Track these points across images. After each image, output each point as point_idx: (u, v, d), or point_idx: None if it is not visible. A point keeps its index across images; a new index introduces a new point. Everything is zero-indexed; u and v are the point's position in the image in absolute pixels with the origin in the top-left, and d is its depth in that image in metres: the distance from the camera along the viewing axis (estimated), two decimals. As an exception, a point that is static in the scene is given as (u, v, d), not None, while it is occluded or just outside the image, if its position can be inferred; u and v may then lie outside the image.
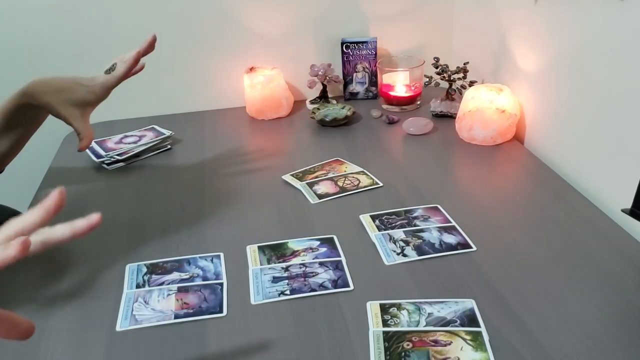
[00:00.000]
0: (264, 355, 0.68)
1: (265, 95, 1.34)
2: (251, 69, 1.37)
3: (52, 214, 0.51)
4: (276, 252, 0.86)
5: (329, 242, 0.88)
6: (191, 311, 0.75)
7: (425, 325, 0.70)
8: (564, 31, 1.01)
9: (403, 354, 0.66)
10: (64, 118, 0.89)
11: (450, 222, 0.92)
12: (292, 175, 1.09)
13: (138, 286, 0.81)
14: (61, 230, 0.53)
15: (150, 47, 0.92)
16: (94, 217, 0.53)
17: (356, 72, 1.42)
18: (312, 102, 1.43)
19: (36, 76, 1.34)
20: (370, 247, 0.87)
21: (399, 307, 0.74)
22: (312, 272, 0.81)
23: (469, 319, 0.71)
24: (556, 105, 1.07)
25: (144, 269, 0.84)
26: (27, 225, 0.50)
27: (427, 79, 1.33)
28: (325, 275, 0.81)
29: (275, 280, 0.80)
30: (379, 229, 0.90)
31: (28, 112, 0.90)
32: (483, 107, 1.14)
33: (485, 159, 1.12)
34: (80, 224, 0.53)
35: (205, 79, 1.41)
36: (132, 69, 0.91)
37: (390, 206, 0.97)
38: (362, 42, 1.39)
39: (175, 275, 0.82)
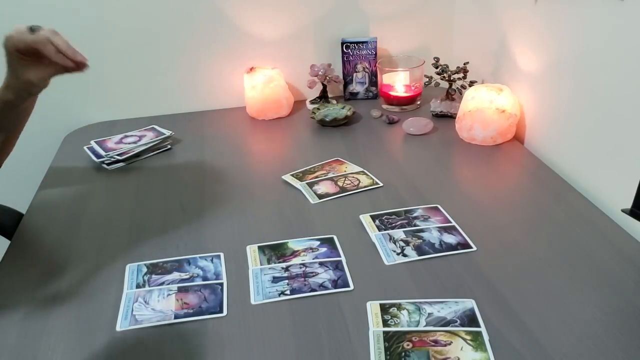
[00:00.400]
0: (264, 355, 0.68)
1: (265, 95, 1.34)
2: (251, 69, 1.37)
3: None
4: (276, 252, 0.86)
5: (329, 242, 0.88)
6: (191, 311, 0.75)
7: (425, 325, 0.70)
8: (564, 31, 1.01)
9: (403, 354, 0.66)
10: (35, 84, 0.82)
11: (450, 222, 0.92)
12: (292, 175, 1.09)
13: (138, 286, 0.81)
14: None
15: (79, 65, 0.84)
16: None
17: (356, 72, 1.42)
18: (312, 102, 1.43)
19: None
20: (370, 247, 0.87)
21: (399, 307, 0.74)
22: (312, 272, 0.81)
23: (469, 319, 0.71)
24: (556, 106, 1.07)
25: (144, 269, 0.84)
26: None
27: (427, 79, 1.33)
28: (325, 275, 0.81)
29: (275, 280, 0.80)
30: (379, 229, 0.90)
31: (10, 106, 0.86)
32: (483, 107, 1.14)
33: (485, 159, 1.12)
34: None
35: (205, 79, 1.41)
36: (54, 64, 0.82)
37: (390, 206, 0.97)
38: (362, 42, 1.39)
39: (175, 275, 0.82)
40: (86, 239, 0.93)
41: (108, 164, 1.17)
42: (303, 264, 0.83)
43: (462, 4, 1.42)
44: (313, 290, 0.78)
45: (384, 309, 0.73)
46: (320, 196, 1.01)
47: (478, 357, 0.65)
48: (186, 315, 0.75)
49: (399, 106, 1.37)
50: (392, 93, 1.36)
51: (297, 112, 1.40)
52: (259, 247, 0.88)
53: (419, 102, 1.38)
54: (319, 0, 1.38)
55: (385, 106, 1.38)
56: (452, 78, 1.28)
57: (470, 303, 0.74)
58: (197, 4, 1.33)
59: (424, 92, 1.39)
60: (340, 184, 1.05)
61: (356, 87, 1.44)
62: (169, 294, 0.79)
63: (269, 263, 0.84)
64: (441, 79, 1.29)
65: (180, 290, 0.79)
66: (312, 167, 1.12)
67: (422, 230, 0.89)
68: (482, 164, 1.11)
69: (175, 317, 0.74)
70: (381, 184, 1.04)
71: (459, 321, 0.71)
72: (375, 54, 1.40)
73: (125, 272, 0.84)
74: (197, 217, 0.97)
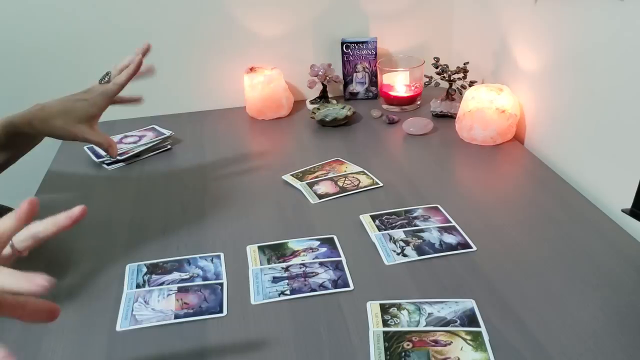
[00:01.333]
0: (264, 355, 0.68)
1: (265, 95, 1.34)
2: (251, 69, 1.37)
3: (25, 222, 0.52)
4: (276, 252, 0.86)
5: (329, 242, 0.88)
6: (191, 311, 0.75)
7: (425, 325, 0.70)
8: (564, 31, 1.01)
9: (403, 354, 0.66)
10: (77, 136, 0.90)
11: (450, 222, 0.91)
12: (292, 175, 1.09)
13: (138, 286, 0.81)
14: (45, 226, 0.53)
15: (145, 53, 0.94)
16: (76, 210, 0.53)
17: (356, 72, 1.42)
18: (312, 102, 1.43)
19: (35, 79, 1.34)
20: (370, 247, 0.87)
21: (399, 307, 0.74)
22: (312, 272, 0.81)
23: (469, 319, 0.71)
24: (556, 105, 1.07)
25: (144, 269, 0.84)
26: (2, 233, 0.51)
27: (427, 79, 1.33)
28: (325, 275, 0.81)
29: (276, 280, 0.80)
30: (379, 229, 0.90)
31: (25, 138, 0.90)
32: (483, 107, 1.14)
33: (485, 159, 1.12)
34: (61, 218, 0.53)
35: (205, 79, 1.42)
36: (133, 76, 0.92)
37: (390, 206, 0.97)
38: (362, 42, 1.39)
39: (175, 275, 0.82)
40: (86, 239, 0.93)
41: (108, 164, 1.17)
42: (303, 264, 0.83)
43: (462, 3, 1.42)
44: (313, 290, 0.78)
45: (384, 309, 0.73)
46: (320, 196, 1.01)
47: (478, 357, 0.65)
48: (186, 315, 0.75)
49: (399, 106, 1.37)
50: (392, 93, 1.36)
51: (297, 112, 1.40)
52: (259, 247, 0.88)
53: (419, 102, 1.38)
54: (319, 0, 1.38)
55: (385, 106, 1.38)
56: (452, 78, 1.28)
57: (470, 303, 0.74)
58: (197, 4, 1.33)
59: (424, 92, 1.39)
60: (340, 184, 1.05)
61: (356, 87, 1.44)
62: (169, 294, 0.79)
63: (269, 263, 0.84)
64: (441, 79, 1.29)
65: (180, 290, 0.79)
66: (312, 167, 1.12)
67: (422, 230, 0.89)
68: (482, 164, 1.11)
69: (175, 317, 0.74)
70: (381, 184, 1.04)
71: (459, 321, 0.71)
72: (375, 54, 1.40)
73: (125, 272, 0.84)
74: (197, 217, 0.97)
